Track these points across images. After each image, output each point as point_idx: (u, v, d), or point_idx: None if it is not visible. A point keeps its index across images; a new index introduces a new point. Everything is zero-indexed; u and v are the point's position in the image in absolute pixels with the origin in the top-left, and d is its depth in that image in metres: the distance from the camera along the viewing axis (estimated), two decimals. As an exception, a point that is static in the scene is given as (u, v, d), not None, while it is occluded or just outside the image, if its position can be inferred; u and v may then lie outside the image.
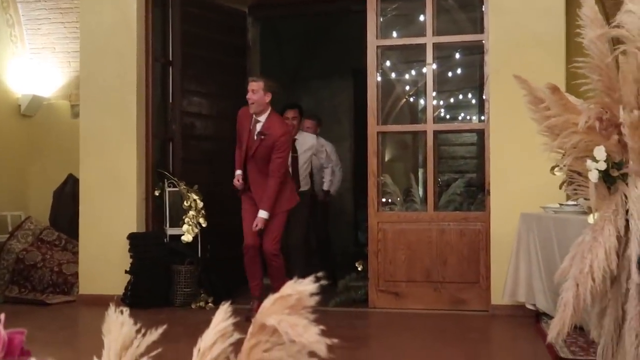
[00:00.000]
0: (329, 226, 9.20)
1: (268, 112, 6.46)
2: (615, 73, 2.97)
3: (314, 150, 8.07)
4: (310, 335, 1.04)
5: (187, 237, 7.18)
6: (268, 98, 6.43)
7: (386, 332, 5.93)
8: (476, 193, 7.68)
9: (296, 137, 7.77)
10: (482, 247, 6.77)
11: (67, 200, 8.48)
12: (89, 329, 5.97)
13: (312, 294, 1.07)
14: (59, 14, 8.74)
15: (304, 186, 7.75)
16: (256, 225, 6.36)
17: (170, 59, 7.81)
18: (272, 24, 10.54)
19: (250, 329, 1.13)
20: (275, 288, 6.24)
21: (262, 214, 6.39)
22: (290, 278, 1.13)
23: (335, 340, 1.07)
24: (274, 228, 6.50)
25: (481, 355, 5.30)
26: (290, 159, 7.08)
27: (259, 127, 6.44)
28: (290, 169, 7.13)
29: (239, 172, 6.63)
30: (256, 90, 6.38)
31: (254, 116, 6.44)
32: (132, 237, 7.25)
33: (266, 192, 6.39)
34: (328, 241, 9.12)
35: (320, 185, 8.69)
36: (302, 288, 1.07)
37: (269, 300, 1.09)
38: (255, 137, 6.42)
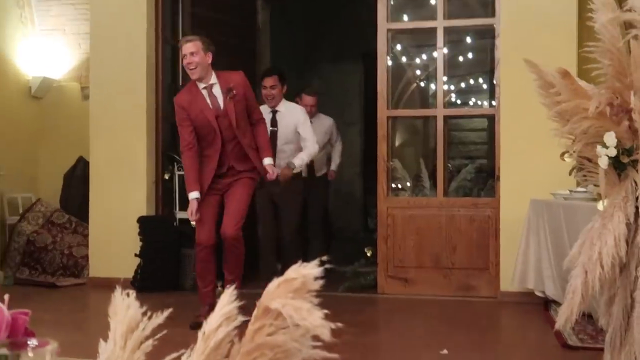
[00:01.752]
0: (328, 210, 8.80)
1: (213, 72, 5.58)
2: (627, 58, 2.94)
3: (299, 127, 6.70)
4: (314, 319, 1.03)
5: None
6: (209, 59, 5.54)
7: (394, 318, 5.95)
8: (486, 179, 7.67)
9: (278, 108, 6.72)
10: (491, 233, 6.76)
11: (77, 182, 8.49)
12: (98, 311, 6.00)
13: (316, 278, 1.06)
14: (69, -5, 8.73)
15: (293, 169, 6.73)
16: (273, 172, 5.67)
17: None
18: (283, 6, 10.51)
19: (254, 313, 1.13)
20: (229, 281, 5.50)
21: (269, 160, 5.66)
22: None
23: (340, 325, 1.07)
24: (240, 206, 5.58)
25: (489, 342, 5.30)
26: (269, 135, 6.28)
27: (217, 90, 5.54)
28: None
29: (195, 195, 5.51)
30: (196, 52, 5.46)
31: (202, 88, 5.53)
32: (141, 220, 7.27)
33: (263, 138, 5.67)
34: (327, 226, 8.56)
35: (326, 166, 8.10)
36: (307, 271, 1.06)
37: (274, 284, 1.08)
38: (223, 103, 5.51)
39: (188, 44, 5.52)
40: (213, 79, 5.56)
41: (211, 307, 5.60)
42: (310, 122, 6.81)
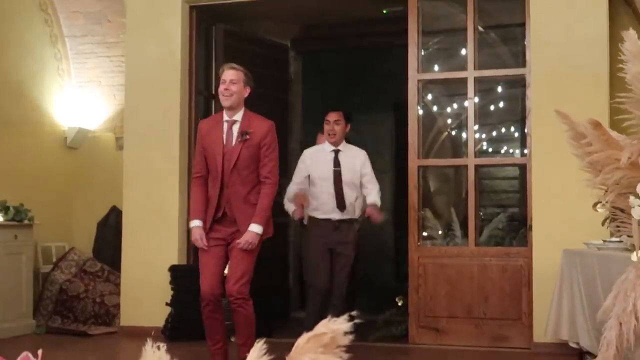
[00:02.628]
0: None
1: (243, 109, 5.36)
2: (659, 109, 2.93)
3: (363, 168, 6.58)
4: (344, 374, 1.03)
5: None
6: (247, 93, 5.36)
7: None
8: (518, 228, 7.60)
9: (340, 147, 6.49)
10: (524, 283, 6.69)
11: (110, 231, 8.57)
12: (129, 360, 6.00)
13: (346, 333, 1.07)
14: (105, 48, 8.90)
15: (352, 214, 6.47)
16: (247, 243, 5.13)
17: (214, 92, 7.90)
18: (314, 57, 10.62)
19: (284, 368, 1.13)
20: (241, 346, 5.14)
21: (255, 228, 5.16)
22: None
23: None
24: (243, 262, 5.20)
25: (523, 393, 5.21)
26: (332, 174, 6.30)
27: (236, 128, 5.29)
28: (332, 188, 6.31)
29: (196, 223, 5.28)
30: (236, 81, 5.29)
31: (225, 120, 5.33)
32: (173, 269, 7.29)
33: (260, 201, 5.20)
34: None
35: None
36: (336, 327, 1.06)
37: (303, 339, 1.09)
38: (235, 142, 5.26)
39: (231, 71, 5.35)
40: (238, 116, 5.32)
41: None
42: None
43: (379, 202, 6.42)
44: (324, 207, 6.41)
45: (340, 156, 6.50)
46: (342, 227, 6.38)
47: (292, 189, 6.50)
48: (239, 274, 5.17)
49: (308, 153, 6.63)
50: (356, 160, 6.53)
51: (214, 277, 5.22)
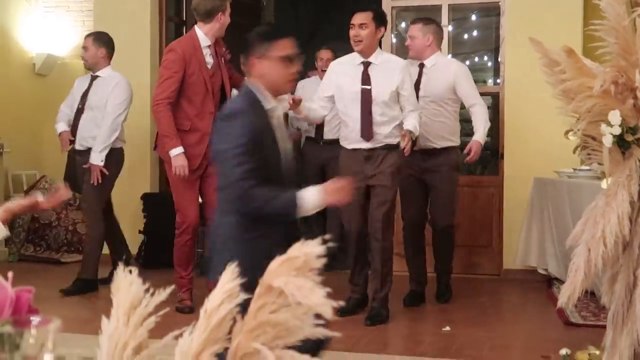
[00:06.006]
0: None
1: None
2: (632, 36, 2.93)
3: None
4: (317, 297, 1.04)
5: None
6: None
7: (396, 295, 5.94)
8: (490, 157, 7.65)
9: (371, 59, 5.15)
10: (495, 211, 6.76)
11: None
12: (102, 288, 6.03)
13: (319, 256, 1.07)
14: (73, -28, 8.69)
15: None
16: None
17: (184, 18, 7.77)
18: (287, -17, 10.46)
19: (257, 290, 1.14)
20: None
21: None
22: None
23: (342, 303, 1.08)
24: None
25: (492, 319, 5.31)
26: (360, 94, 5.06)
27: (213, 51, 5.34)
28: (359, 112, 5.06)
29: (182, 149, 5.14)
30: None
31: (208, 44, 5.26)
32: (146, 197, 7.27)
33: None
34: None
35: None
36: (309, 250, 1.07)
37: (276, 262, 1.09)
38: (219, 64, 5.35)
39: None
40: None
41: (191, 290, 5.20)
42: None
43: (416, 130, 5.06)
44: (351, 135, 5.12)
45: (372, 70, 5.11)
46: (375, 157, 5.08)
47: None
48: None
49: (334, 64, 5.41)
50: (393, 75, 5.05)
51: (197, 207, 5.31)
